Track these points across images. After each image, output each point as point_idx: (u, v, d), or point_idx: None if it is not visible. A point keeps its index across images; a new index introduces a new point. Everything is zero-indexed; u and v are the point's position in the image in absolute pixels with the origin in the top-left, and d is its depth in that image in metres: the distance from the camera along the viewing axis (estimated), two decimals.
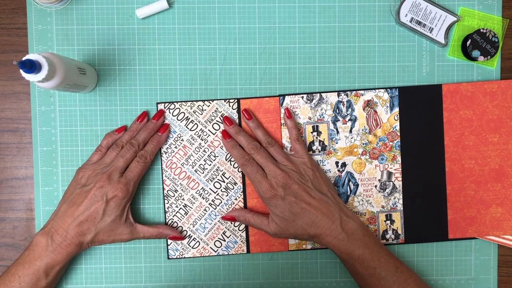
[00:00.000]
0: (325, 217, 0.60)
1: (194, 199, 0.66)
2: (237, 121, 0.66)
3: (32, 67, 0.51)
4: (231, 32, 0.66)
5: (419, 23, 0.65)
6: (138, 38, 0.66)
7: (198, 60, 0.66)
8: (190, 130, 0.66)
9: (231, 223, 0.67)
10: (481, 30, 0.64)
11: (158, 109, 0.65)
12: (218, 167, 0.66)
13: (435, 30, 0.66)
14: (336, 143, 0.67)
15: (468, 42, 0.65)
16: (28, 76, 0.51)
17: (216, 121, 0.66)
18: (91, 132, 0.66)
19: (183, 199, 0.67)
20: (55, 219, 0.60)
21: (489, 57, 0.65)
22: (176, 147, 0.66)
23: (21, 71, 0.51)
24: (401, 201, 0.67)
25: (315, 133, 0.66)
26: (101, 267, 0.67)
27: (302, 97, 0.66)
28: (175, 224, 0.66)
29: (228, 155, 0.66)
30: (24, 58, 0.51)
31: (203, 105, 0.66)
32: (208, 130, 0.66)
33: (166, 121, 0.66)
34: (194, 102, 0.66)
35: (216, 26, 0.66)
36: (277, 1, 0.66)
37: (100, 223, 0.60)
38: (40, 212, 0.66)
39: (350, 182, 0.67)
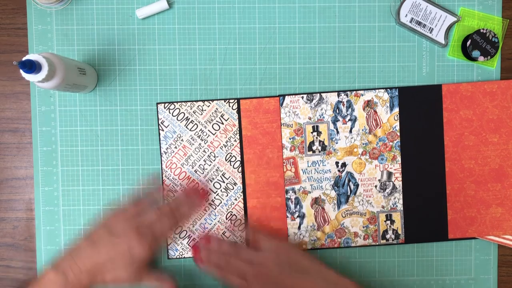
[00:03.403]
0: None
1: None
2: (237, 122, 0.66)
3: (32, 67, 0.51)
4: (231, 32, 0.66)
5: (419, 23, 0.65)
6: (138, 38, 0.66)
7: (198, 60, 0.66)
8: (190, 130, 0.66)
9: (231, 223, 0.67)
10: (481, 30, 0.64)
11: (206, 190, 0.66)
12: (218, 167, 0.66)
13: (435, 30, 0.66)
14: (336, 143, 0.67)
15: (468, 42, 0.65)
16: (28, 76, 0.51)
17: (216, 121, 0.66)
18: (91, 132, 0.66)
19: None
20: (72, 259, 0.58)
21: (489, 57, 0.65)
22: (176, 147, 0.66)
23: (21, 71, 0.51)
24: (401, 201, 0.67)
25: (315, 133, 0.66)
26: None
27: (302, 97, 0.66)
28: None
29: (228, 156, 0.66)
30: (24, 58, 0.51)
31: (203, 105, 0.66)
32: (208, 130, 0.66)
33: (166, 121, 0.66)
34: (194, 102, 0.66)
35: (216, 26, 0.66)
36: (277, 1, 0.66)
37: (117, 274, 0.59)
38: (40, 212, 0.66)
39: (350, 182, 0.67)
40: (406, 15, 0.65)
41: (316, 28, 0.66)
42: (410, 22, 0.65)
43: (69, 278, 0.57)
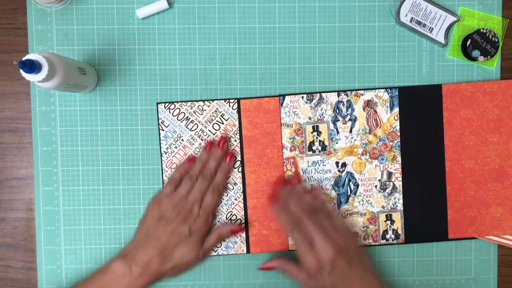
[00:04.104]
0: None
1: None
2: (237, 122, 0.66)
3: (32, 67, 0.51)
4: (231, 32, 0.66)
5: (419, 23, 0.65)
6: (138, 38, 0.66)
7: (198, 60, 0.66)
8: (190, 130, 0.66)
9: (231, 223, 0.66)
10: (481, 30, 0.64)
11: (221, 136, 0.65)
12: None
13: (435, 30, 0.66)
14: (336, 143, 0.67)
15: (468, 42, 0.65)
16: (28, 76, 0.51)
17: (216, 121, 0.66)
18: (91, 132, 0.66)
19: None
20: (136, 249, 0.60)
21: (489, 57, 0.65)
22: (176, 147, 0.66)
23: (21, 71, 0.51)
24: (401, 201, 0.67)
25: (315, 133, 0.66)
26: None
27: (302, 97, 0.66)
28: None
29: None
30: (24, 58, 0.51)
31: (203, 105, 0.66)
32: (208, 130, 0.66)
33: (166, 121, 0.66)
34: (194, 102, 0.66)
35: (216, 26, 0.66)
36: (277, 1, 0.66)
37: (183, 256, 0.60)
38: (40, 212, 0.66)
39: (350, 182, 0.67)
40: (406, 14, 0.65)
41: (316, 28, 0.66)
42: (410, 21, 0.65)
43: (133, 271, 0.58)
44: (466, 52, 0.65)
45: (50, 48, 0.66)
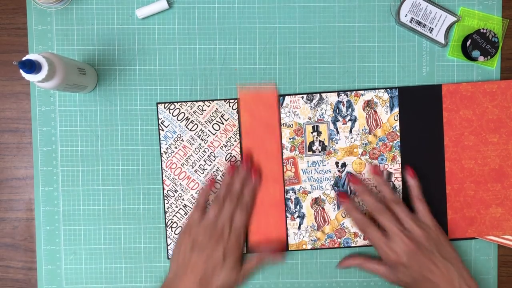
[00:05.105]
0: (446, 285, 0.58)
1: (194, 199, 0.66)
2: (238, 121, 0.66)
3: (32, 67, 0.51)
4: (231, 32, 0.66)
5: (419, 23, 0.65)
6: (138, 38, 0.66)
7: (198, 60, 0.66)
8: (190, 130, 0.66)
9: None
10: (481, 30, 0.64)
11: (244, 157, 0.66)
12: (218, 167, 0.66)
13: (435, 30, 0.66)
14: (336, 143, 0.67)
15: (468, 42, 0.65)
16: (28, 76, 0.51)
17: (216, 121, 0.66)
18: (91, 132, 0.66)
19: (183, 199, 0.67)
20: (174, 281, 0.59)
21: (489, 57, 0.65)
22: (176, 147, 0.66)
23: (21, 71, 0.51)
24: None
25: (315, 133, 0.66)
26: (101, 267, 0.67)
27: (302, 97, 0.66)
28: (174, 225, 0.66)
29: (228, 156, 0.66)
30: (24, 58, 0.51)
31: (203, 105, 0.66)
32: (208, 130, 0.66)
33: (166, 121, 0.66)
34: (194, 102, 0.66)
35: (216, 26, 0.66)
36: (277, 1, 0.66)
37: (222, 281, 0.59)
38: (40, 212, 0.66)
39: (350, 183, 0.67)
40: (406, 15, 0.65)
41: (316, 28, 0.66)
42: (410, 22, 0.65)
43: None
44: (466, 52, 0.65)
45: (50, 48, 0.66)
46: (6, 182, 0.67)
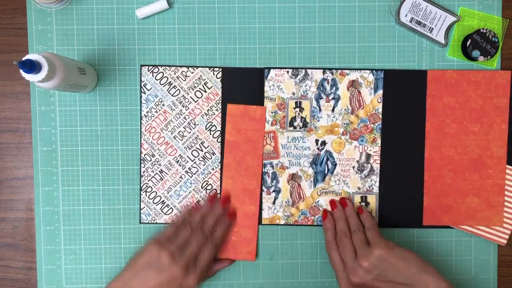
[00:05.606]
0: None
1: (170, 165, 0.66)
2: (220, 92, 0.66)
3: (32, 67, 0.51)
4: (231, 32, 0.66)
5: (419, 23, 0.65)
6: (138, 38, 0.66)
7: (198, 60, 0.66)
8: (172, 95, 0.66)
9: (206, 193, 0.66)
10: (481, 30, 0.64)
11: (222, 197, 0.66)
12: (197, 135, 0.66)
13: (435, 30, 0.66)
14: (318, 120, 0.66)
15: (468, 42, 0.65)
16: (28, 76, 0.51)
17: (199, 88, 0.66)
18: (91, 132, 0.66)
19: (159, 165, 0.66)
20: (122, 284, 0.58)
21: (489, 57, 0.65)
22: (156, 112, 0.66)
23: (21, 71, 0.51)
24: (377, 184, 0.67)
25: (297, 109, 0.66)
26: (101, 267, 0.67)
27: (288, 71, 0.66)
28: (149, 189, 0.66)
29: (208, 125, 0.66)
30: (24, 58, 0.51)
31: (187, 71, 0.66)
32: (190, 97, 0.66)
33: (148, 84, 0.65)
34: (178, 68, 0.66)
35: (216, 26, 0.66)
36: (277, 1, 0.66)
37: None
38: (40, 212, 0.66)
39: (328, 161, 0.67)
40: (406, 14, 0.65)
41: (316, 28, 0.66)
42: (410, 22, 0.65)
43: None
44: (466, 52, 0.65)
45: (50, 48, 0.66)
46: (6, 182, 0.67)
